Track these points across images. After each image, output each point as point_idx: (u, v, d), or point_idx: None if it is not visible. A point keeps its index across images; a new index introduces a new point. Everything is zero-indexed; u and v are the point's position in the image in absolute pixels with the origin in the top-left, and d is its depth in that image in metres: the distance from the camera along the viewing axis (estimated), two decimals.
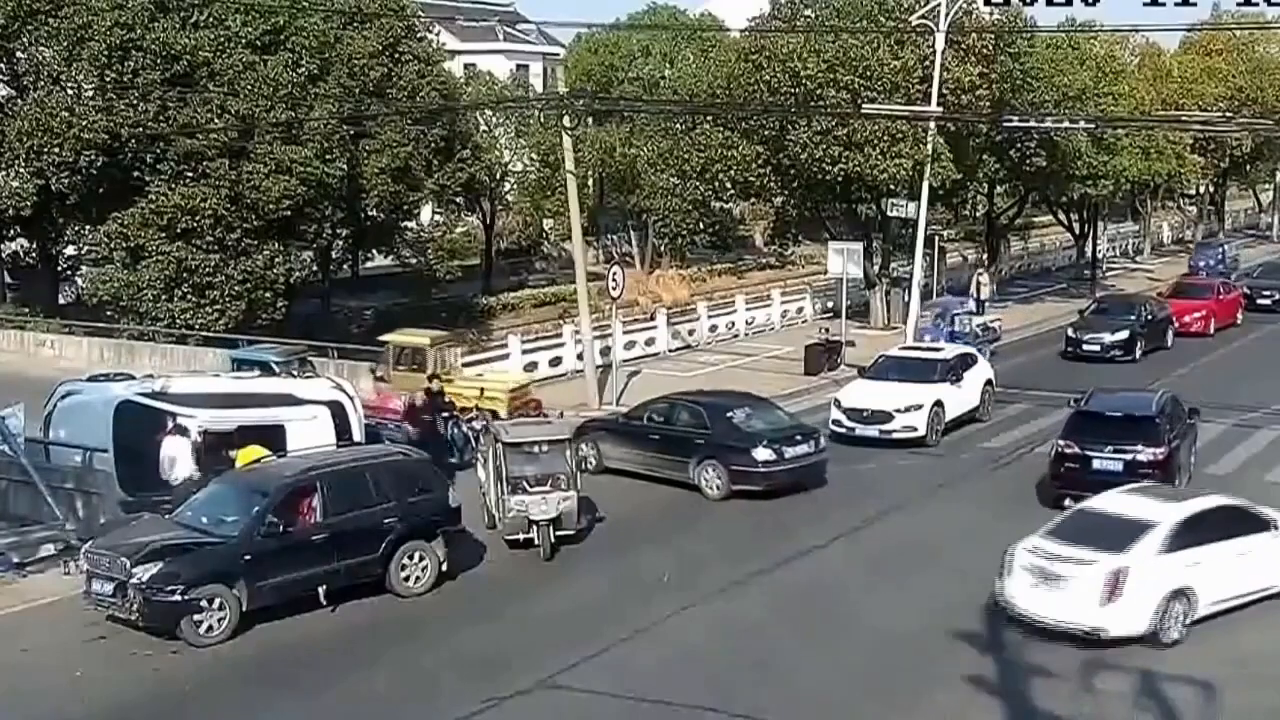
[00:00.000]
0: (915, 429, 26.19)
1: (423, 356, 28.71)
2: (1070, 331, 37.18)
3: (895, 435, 26.06)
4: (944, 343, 31.59)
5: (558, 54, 69.04)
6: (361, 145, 38.76)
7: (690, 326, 39.30)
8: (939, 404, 26.77)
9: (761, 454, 22.55)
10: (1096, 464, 21.50)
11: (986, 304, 40.81)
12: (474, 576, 18.97)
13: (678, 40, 63.06)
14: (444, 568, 18.36)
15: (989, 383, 29.13)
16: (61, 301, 41.91)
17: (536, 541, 19.59)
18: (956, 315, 35.62)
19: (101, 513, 19.15)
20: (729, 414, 23.64)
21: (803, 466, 23.00)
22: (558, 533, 19.75)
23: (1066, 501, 18.62)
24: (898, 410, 26.18)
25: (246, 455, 19.45)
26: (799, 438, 23.24)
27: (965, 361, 28.85)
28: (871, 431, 26.14)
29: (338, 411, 21.83)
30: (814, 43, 37.51)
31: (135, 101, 35.15)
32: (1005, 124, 37.85)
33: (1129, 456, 21.44)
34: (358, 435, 21.98)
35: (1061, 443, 22.20)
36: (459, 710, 14.39)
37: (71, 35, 35.27)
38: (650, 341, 37.22)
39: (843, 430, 26.36)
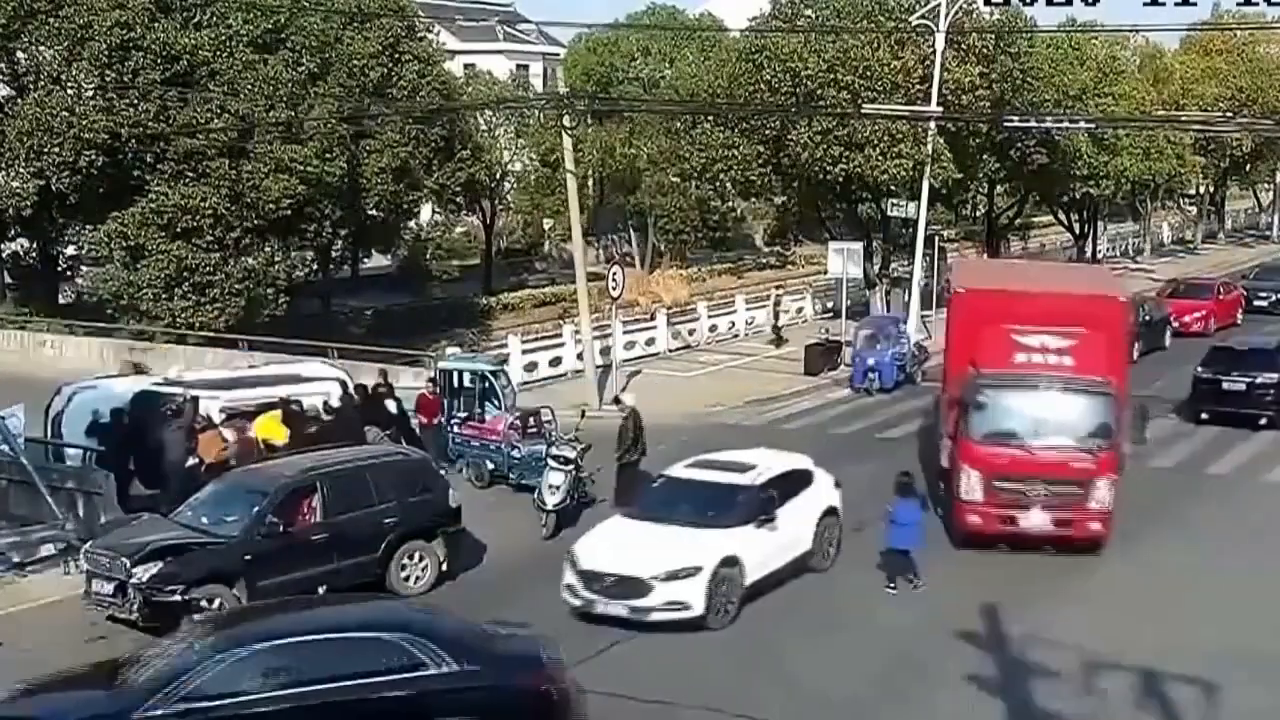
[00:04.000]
0: (686, 606, 16.55)
1: None
2: None
3: (654, 616, 16.55)
4: (762, 452, 19.71)
5: (558, 54, 69.19)
6: (361, 145, 38.79)
7: (690, 326, 39.26)
8: (731, 562, 16.97)
9: None
10: (1225, 385, 27.41)
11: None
12: (474, 576, 18.91)
13: (678, 40, 63.12)
14: (444, 568, 18.36)
15: (830, 512, 19.22)
16: (62, 301, 41.91)
17: None
18: (895, 335, 32.23)
19: (101, 513, 19.16)
20: None
21: None
22: None
23: (1203, 415, 27.07)
24: (655, 577, 16.59)
25: (264, 426, 20.33)
26: None
27: (791, 484, 18.70)
28: (618, 609, 16.69)
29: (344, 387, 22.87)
30: (814, 43, 37.54)
31: (135, 101, 35.15)
32: (1005, 124, 37.92)
33: (1251, 379, 27.24)
34: None
35: (1200, 369, 27.96)
36: None
37: (72, 35, 35.26)
38: (650, 341, 37.19)
39: (579, 602, 17.00)
